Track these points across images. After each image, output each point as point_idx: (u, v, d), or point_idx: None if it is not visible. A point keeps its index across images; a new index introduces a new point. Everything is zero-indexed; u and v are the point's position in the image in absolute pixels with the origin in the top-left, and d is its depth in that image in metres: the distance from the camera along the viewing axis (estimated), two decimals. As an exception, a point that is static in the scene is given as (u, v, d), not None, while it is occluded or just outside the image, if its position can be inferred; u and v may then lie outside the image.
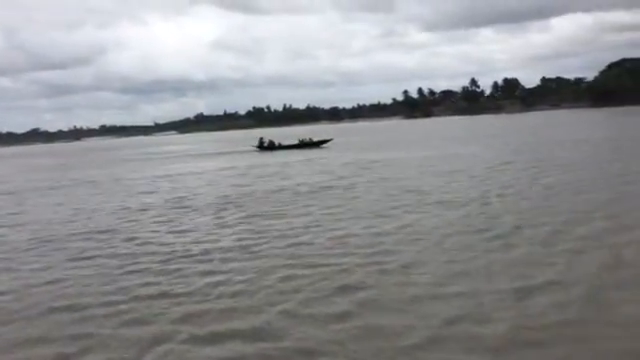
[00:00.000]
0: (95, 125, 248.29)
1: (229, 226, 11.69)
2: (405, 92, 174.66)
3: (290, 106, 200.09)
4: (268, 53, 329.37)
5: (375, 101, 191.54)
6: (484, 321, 5.85)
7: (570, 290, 6.54)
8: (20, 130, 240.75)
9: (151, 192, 19.22)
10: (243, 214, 13.03)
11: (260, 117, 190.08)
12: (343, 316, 6.24)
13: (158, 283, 7.94)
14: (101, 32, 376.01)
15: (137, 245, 10.55)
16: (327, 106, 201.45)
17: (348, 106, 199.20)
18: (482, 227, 9.95)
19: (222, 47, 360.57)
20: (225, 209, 13.96)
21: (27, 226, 13.75)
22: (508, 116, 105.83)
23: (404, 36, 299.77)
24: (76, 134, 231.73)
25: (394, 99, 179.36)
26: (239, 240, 10.24)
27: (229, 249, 9.62)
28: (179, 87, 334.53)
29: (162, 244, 10.46)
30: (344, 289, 7.04)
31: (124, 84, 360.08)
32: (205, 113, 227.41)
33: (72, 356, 5.86)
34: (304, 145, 40.70)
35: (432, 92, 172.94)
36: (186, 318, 6.53)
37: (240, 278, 7.83)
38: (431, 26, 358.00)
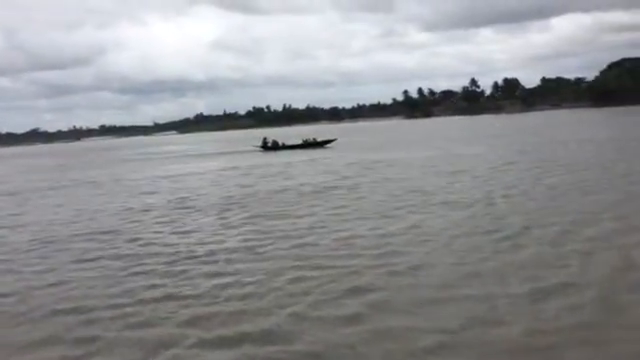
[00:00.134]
0: (95, 125, 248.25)
1: (234, 227, 11.60)
2: (405, 92, 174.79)
3: (290, 106, 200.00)
4: (268, 53, 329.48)
5: (375, 101, 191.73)
6: (497, 324, 5.76)
7: (583, 293, 6.45)
8: (20, 130, 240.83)
9: (153, 192, 19.11)
10: (247, 215, 12.94)
11: (260, 117, 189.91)
12: (353, 319, 6.16)
13: (164, 285, 7.84)
14: (101, 32, 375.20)
15: (141, 246, 10.45)
16: (327, 106, 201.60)
17: (348, 106, 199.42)
18: (489, 228, 9.87)
19: (222, 47, 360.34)
20: (229, 210, 13.86)
21: (29, 227, 13.65)
22: (508, 116, 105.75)
23: (404, 36, 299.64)
24: (76, 134, 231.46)
25: (394, 99, 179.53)
26: (244, 241, 10.15)
27: (235, 250, 9.53)
28: (179, 87, 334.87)
29: (166, 245, 10.36)
30: (353, 291, 6.95)
31: (124, 84, 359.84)
32: (205, 113, 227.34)
33: (78, 359, 5.77)
34: (308, 145, 40.52)
35: (432, 92, 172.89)
36: (194, 321, 6.43)
37: (247, 280, 7.73)
38: (431, 26, 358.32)
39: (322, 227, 10.87)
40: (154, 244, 10.54)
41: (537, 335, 5.48)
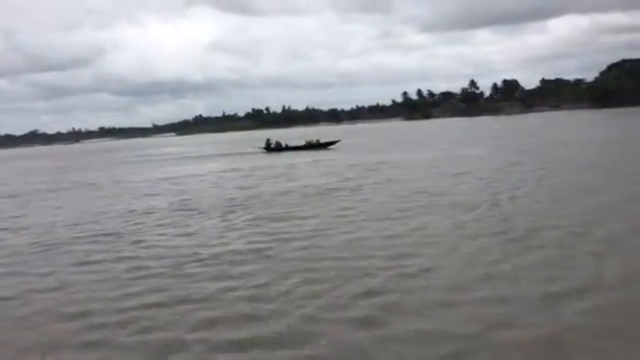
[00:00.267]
0: (93, 127, 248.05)
1: (238, 229, 11.46)
2: (404, 94, 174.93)
3: (289, 107, 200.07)
4: (265, 54, 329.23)
5: (373, 102, 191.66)
6: (513, 328, 5.64)
7: (600, 295, 6.34)
8: (18, 132, 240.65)
9: (155, 195, 18.95)
10: (252, 217, 12.81)
11: (259, 119, 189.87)
12: (366, 322, 6.03)
13: (170, 288, 7.71)
14: (99, 33, 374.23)
15: (144, 249, 10.32)
16: (325, 107, 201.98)
17: (347, 107, 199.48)
18: (497, 230, 9.76)
19: (219, 48, 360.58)
20: (232, 212, 13.73)
21: (30, 229, 13.51)
22: (508, 117, 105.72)
23: (401, 37, 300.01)
24: (75, 136, 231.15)
25: (393, 100, 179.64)
26: (250, 243, 10.02)
27: (240, 253, 9.40)
28: (177, 89, 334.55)
29: (170, 247, 10.24)
30: (364, 294, 6.82)
31: (122, 86, 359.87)
32: (203, 115, 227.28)
33: (85, 365, 5.66)
34: (311, 146, 40.31)
35: (431, 94, 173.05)
36: (202, 325, 6.31)
37: (255, 283, 7.61)
38: (428, 27, 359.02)
39: (328, 229, 10.75)
40: (158, 247, 10.41)
41: (555, 340, 5.36)
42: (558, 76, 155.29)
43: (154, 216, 14.06)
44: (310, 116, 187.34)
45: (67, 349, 6.06)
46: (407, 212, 11.97)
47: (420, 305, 6.44)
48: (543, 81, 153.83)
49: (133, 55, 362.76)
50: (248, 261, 8.82)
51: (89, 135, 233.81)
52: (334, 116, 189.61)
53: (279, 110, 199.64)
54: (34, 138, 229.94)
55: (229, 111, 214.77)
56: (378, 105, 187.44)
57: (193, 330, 6.20)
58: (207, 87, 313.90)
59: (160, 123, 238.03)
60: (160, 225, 12.70)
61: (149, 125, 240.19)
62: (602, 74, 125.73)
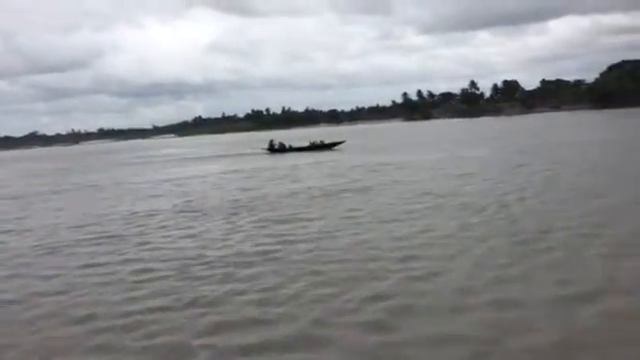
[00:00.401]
0: (93, 128, 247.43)
1: (244, 231, 11.36)
2: (404, 94, 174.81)
3: (289, 109, 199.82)
4: (265, 56, 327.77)
5: (373, 103, 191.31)
6: (527, 333, 5.53)
7: (613, 299, 6.24)
8: (18, 134, 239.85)
9: (158, 196, 18.84)
10: (257, 218, 12.70)
11: (259, 120, 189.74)
12: (377, 326, 5.94)
13: (176, 291, 7.61)
14: (98, 35, 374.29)
15: (149, 251, 10.23)
16: (325, 108, 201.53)
17: (346, 108, 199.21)
18: (506, 232, 9.67)
19: (219, 50, 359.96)
20: (237, 213, 13.62)
21: (34, 231, 13.41)
22: (508, 118, 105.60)
23: (401, 38, 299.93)
24: (74, 137, 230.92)
25: (393, 101, 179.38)
26: (256, 245, 9.92)
27: (247, 255, 9.30)
28: (176, 90, 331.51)
29: (175, 250, 10.14)
30: (375, 297, 6.73)
31: (121, 87, 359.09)
32: (203, 116, 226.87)
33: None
34: (315, 147, 40.06)
35: (431, 94, 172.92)
36: (211, 329, 6.22)
37: (264, 286, 7.51)
38: (428, 29, 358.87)
39: (335, 231, 10.65)
40: (163, 249, 10.32)
41: (570, 344, 5.26)
42: (558, 77, 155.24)
43: (158, 218, 13.96)
44: (310, 117, 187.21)
45: (72, 353, 5.98)
46: (414, 214, 11.87)
47: (431, 309, 6.34)
48: (543, 82, 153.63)
49: (132, 57, 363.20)
50: (255, 263, 8.72)
51: (88, 137, 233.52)
52: (334, 117, 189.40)
53: (279, 111, 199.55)
54: (34, 139, 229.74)
55: (229, 112, 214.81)
56: (378, 106, 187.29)
57: (200, 335, 6.11)
58: (207, 88, 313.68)
59: (160, 124, 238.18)
60: (164, 227, 12.60)
61: (149, 126, 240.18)
62: (602, 75, 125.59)
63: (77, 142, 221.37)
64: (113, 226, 13.19)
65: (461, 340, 5.47)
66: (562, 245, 8.53)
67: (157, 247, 10.51)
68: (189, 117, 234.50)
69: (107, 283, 8.35)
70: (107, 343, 6.11)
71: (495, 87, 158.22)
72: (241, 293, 7.32)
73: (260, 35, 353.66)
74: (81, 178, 30.83)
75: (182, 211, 14.76)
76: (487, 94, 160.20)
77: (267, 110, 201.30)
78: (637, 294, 6.38)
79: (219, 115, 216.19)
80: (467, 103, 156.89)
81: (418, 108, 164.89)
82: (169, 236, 11.49)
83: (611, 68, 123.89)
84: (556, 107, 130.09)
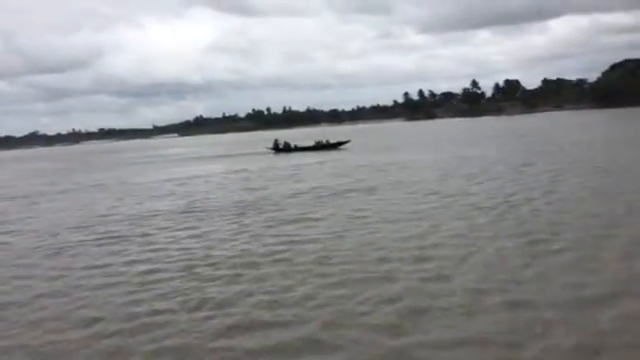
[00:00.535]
0: (93, 128, 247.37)
1: (250, 231, 11.22)
2: (406, 94, 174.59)
3: (290, 108, 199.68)
4: (265, 55, 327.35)
5: (373, 103, 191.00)
6: (547, 337, 5.40)
7: (633, 301, 6.10)
8: (18, 134, 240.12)
9: (162, 196, 18.70)
10: (264, 218, 12.57)
11: (260, 119, 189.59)
12: (391, 329, 5.82)
13: (184, 293, 7.49)
14: (98, 35, 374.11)
15: (155, 252, 10.10)
16: (325, 108, 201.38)
17: (346, 108, 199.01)
18: (517, 232, 9.53)
19: (219, 50, 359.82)
20: (243, 214, 13.49)
21: (38, 232, 13.28)
22: (510, 118, 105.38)
23: (401, 38, 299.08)
24: (75, 137, 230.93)
25: (395, 101, 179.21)
26: (263, 246, 9.79)
27: (255, 255, 9.18)
28: (177, 90, 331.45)
29: (181, 250, 10.02)
30: (387, 299, 6.60)
31: (121, 87, 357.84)
32: (204, 116, 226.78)
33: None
34: (320, 147, 39.82)
35: (433, 94, 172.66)
36: (220, 332, 6.09)
37: (273, 287, 7.38)
38: (427, 28, 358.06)
39: (343, 231, 10.53)
40: (169, 249, 10.19)
41: (593, 348, 5.13)
42: (559, 76, 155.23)
43: (162, 218, 13.84)
44: (311, 117, 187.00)
45: (79, 356, 5.85)
46: (421, 214, 11.74)
47: (445, 311, 6.21)
48: (544, 81, 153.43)
49: (132, 57, 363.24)
50: (262, 264, 8.59)
51: (89, 136, 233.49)
52: (335, 117, 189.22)
53: (279, 111, 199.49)
54: (34, 139, 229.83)
55: (229, 112, 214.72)
56: (379, 106, 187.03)
57: (210, 338, 5.99)
58: (207, 88, 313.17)
59: (160, 124, 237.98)
60: (169, 227, 12.47)
61: (149, 126, 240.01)
62: (605, 74, 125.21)
63: (77, 142, 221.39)
64: (118, 226, 13.07)
65: (479, 344, 5.35)
66: (574, 246, 8.40)
67: (162, 248, 10.38)
68: (190, 117, 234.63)
69: (112, 284, 8.23)
70: (114, 346, 6.00)
71: (497, 86, 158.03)
72: (250, 295, 7.20)
73: (260, 35, 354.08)
74: (84, 178, 30.71)
75: (187, 211, 14.63)
76: (488, 94, 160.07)
77: (268, 110, 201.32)
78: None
79: (219, 115, 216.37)
80: (468, 103, 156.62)
81: (419, 108, 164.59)
82: (174, 237, 11.37)
83: (614, 67, 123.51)
84: (558, 106, 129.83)
